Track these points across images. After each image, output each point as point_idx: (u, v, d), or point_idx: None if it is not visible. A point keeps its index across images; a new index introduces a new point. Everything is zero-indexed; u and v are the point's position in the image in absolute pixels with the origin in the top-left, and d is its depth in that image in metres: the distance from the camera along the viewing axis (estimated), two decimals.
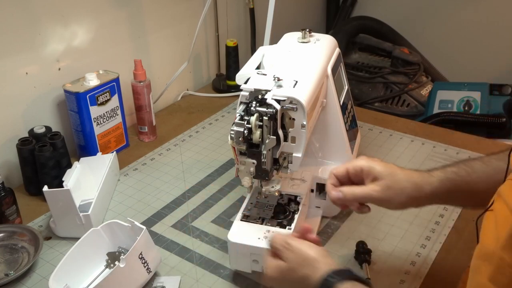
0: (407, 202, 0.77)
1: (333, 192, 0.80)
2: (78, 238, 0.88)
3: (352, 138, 1.08)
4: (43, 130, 1.12)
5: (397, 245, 0.96)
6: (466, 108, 1.74)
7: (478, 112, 1.71)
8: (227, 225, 1.00)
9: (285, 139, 0.84)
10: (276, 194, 0.89)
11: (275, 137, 0.82)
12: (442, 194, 0.77)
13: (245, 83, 0.86)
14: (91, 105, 1.17)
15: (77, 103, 1.15)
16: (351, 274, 0.69)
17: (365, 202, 0.81)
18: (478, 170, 0.77)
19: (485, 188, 0.72)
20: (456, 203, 0.87)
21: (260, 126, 0.80)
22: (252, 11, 1.66)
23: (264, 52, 1.01)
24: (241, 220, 0.90)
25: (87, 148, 1.20)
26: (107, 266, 0.90)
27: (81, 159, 1.12)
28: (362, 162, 0.81)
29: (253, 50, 1.68)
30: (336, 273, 0.68)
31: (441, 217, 1.03)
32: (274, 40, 1.09)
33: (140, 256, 0.84)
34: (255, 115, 0.80)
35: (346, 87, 1.11)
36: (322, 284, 0.68)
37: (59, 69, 1.21)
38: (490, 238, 0.53)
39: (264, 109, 0.80)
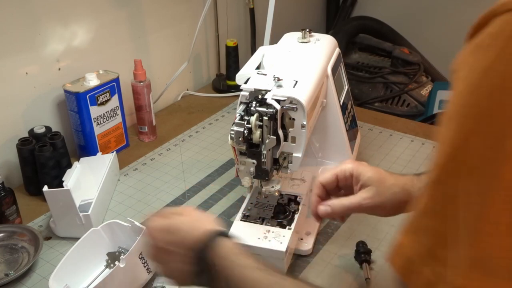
0: (398, 208, 0.76)
1: (321, 207, 0.78)
2: (78, 238, 0.88)
3: (352, 138, 1.08)
4: (43, 130, 1.12)
5: None
6: None
7: None
8: (227, 225, 1.00)
9: (285, 139, 0.84)
10: (276, 194, 0.89)
11: (275, 137, 0.82)
12: None
13: (245, 83, 0.86)
14: (91, 105, 1.17)
15: (77, 103, 1.15)
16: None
17: (355, 213, 0.80)
18: None
19: None
20: None
21: (260, 126, 0.80)
22: (252, 11, 1.66)
23: (264, 52, 1.01)
24: (241, 220, 0.90)
25: (87, 148, 1.20)
26: (107, 266, 0.90)
27: (81, 159, 1.11)
28: (350, 166, 0.79)
29: (253, 50, 1.68)
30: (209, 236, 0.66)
31: None
32: (274, 40, 1.09)
33: (140, 256, 0.84)
34: (255, 115, 0.80)
35: (346, 87, 1.11)
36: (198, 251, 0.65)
37: (59, 69, 1.21)
38: None
39: (264, 109, 0.80)
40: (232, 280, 0.62)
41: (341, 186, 0.80)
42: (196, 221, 0.69)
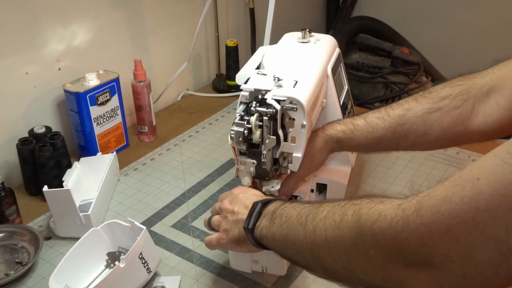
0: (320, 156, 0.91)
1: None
2: (78, 238, 0.88)
3: None
4: (43, 130, 1.12)
5: None
6: None
7: None
8: None
9: (285, 139, 0.84)
10: (276, 194, 0.89)
11: (275, 137, 0.82)
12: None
13: (245, 83, 0.85)
14: (91, 105, 1.17)
15: (77, 103, 1.15)
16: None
17: (301, 185, 0.93)
18: (361, 127, 0.88)
19: (365, 144, 0.88)
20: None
21: (260, 126, 0.80)
22: (252, 11, 1.66)
23: (264, 52, 1.01)
24: None
25: (87, 148, 1.21)
26: (107, 266, 0.90)
27: (81, 159, 1.12)
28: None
29: (253, 50, 1.68)
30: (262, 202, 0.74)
31: None
32: (274, 40, 1.09)
33: (140, 256, 0.84)
34: (255, 115, 0.80)
35: (346, 87, 1.11)
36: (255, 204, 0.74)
37: (59, 69, 1.21)
38: None
39: (264, 109, 0.80)
40: (279, 226, 0.68)
41: None
42: (253, 194, 0.81)
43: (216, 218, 0.82)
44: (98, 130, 1.21)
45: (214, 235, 0.82)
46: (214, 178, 1.17)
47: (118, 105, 1.24)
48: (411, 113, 0.84)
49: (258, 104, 0.81)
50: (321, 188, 1.01)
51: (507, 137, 0.54)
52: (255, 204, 0.74)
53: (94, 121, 1.19)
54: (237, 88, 0.87)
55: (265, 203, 0.73)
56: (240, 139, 0.80)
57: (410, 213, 0.49)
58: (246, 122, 0.80)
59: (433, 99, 0.83)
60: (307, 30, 1.02)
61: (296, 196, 0.96)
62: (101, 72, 1.23)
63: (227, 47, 1.56)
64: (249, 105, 0.82)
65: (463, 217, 0.44)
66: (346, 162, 1.04)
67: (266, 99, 0.80)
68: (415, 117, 0.83)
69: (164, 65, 1.51)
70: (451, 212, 0.45)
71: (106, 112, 1.21)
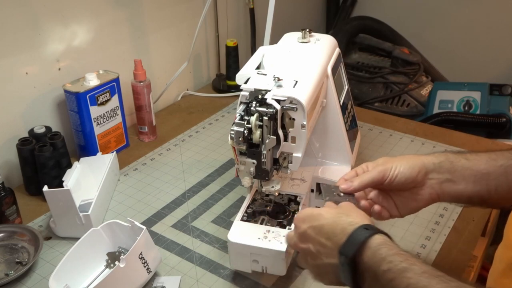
0: (413, 174, 0.77)
1: (344, 186, 0.79)
2: (78, 238, 0.88)
3: (352, 138, 1.08)
4: (43, 130, 1.12)
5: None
6: (466, 108, 1.74)
7: (478, 112, 1.71)
8: (227, 225, 1.00)
9: (285, 139, 0.84)
10: (276, 194, 0.89)
11: (275, 137, 0.82)
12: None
13: (245, 83, 0.85)
14: (91, 105, 1.17)
15: (77, 103, 1.15)
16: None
17: (373, 185, 0.79)
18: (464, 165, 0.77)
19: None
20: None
21: (260, 126, 0.80)
22: (252, 11, 1.66)
23: (264, 52, 1.01)
24: (241, 220, 0.90)
25: (87, 148, 1.20)
26: (107, 266, 0.90)
27: (81, 159, 1.12)
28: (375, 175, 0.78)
29: (253, 50, 1.68)
30: (365, 226, 0.64)
31: (441, 217, 1.03)
32: (274, 40, 1.09)
33: (140, 256, 0.84)
34: (255, 115, 0.80)
35: (346, 87, 1.11)
36: (348, 241, 0.63)
37: (59, 69, 1.21)
38: None
39: (264, 109, 0.80)
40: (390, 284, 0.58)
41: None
42: (341, 213, 0.69)
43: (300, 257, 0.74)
44: (98, 130, 1.21)
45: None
46: (214, 178, 1.17)
47: (118, 105, 1.24)
48: None
49: (258, 104, 0.81)
50: (321, 188, 1.01)
51: None
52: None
53: (94, 121, 1.19)
54: (237, 88, 0.87)
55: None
56: (240, 139, 0.80)
57: None
58: (246, 122, 0.80)
59: None
60: (307, 30, 1.02)
61: (296, 196, 0.96)
62: (101, 72, 1.23)
63: (227, 47, 1.56)
64: (249, 105, 0.82)
65: None
66: (346, 162, 1.04)
67: (266, 99, 0.80)
68: None
69: (164, 65, 1.51)
70: None
71: (106, 112, 1.21)
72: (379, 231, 0.63)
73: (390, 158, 0.81)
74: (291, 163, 0.87)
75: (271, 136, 0.81)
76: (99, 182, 1.04)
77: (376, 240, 0.62)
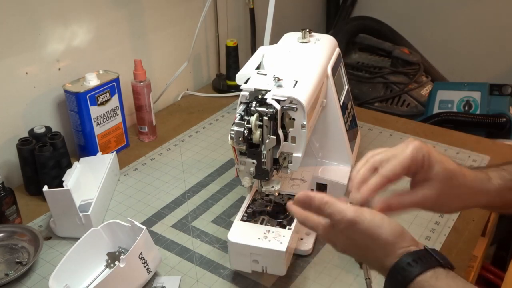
0: (459, 208, 0.73)
1: (379, 204, 0.67)
2: (78, 238, 0.88)
3: (352, 138, 1.08)
4: (43, 130, 1.12)
5: None
6: (466, 108, 1.74)
7: (478, 112, 1.71)
8: (227, 225, 1.00)
9: (285, 139, 0.84)
10: (276, 194, 0.89)
11: (275, 137, 0.82)
12: (498, 203, 0.72)
13: (245, 83, 0.86)
14: (91, 105, 1.17)
15: (77, 103, 1.15)
16: (433, 257, 0.60)
17: (413, 210, 0.72)
18: None
19: None
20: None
21: (260, 126, 0.80)
22: (252, 11, 1.66)
23: (264, 52, 1.01)
24: (241, 220, 0.90)
25: (87, 148, 1.20)
26: (107, 266, 0.90)
27: (81, 159, 1.12)
28: (422, 153, 0.68)
29: (253, 50, 1.68)
30: (415, 258, 0.59)
31: (441, 217, 1.03)
32: (274, 40, 1.09)
33: (140, 256, 0.84)
34: (255, 115, 0.80)
35: (346, 87, 1.11)
36: (396, 272, 0.59)
37: (59, 69, 1.21)
38: None
39: (264, 109, 0.80)
40: None
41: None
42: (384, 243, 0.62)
43: (315, 221, 0.68)
44: (98, 130, 1.21)
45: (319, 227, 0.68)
46: (214, 178, 1.17)
47: (118, 105, 1.24)
48: None
49: (258, 104, 0.81)
50: (321, 188, 1.01)
51: None
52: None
53: (94, 121, 1.19)
54: (237, 88, 0.87)
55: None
56: (240, 139, 0.80)
57: None
58: (246, 122, 0.80)
59: None
60: (307, 30, 1.02)
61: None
62: (101, 72, 1.23)
63: (227, 47, 1.56)
64: (249, 105, 0.82)
65: None
66: (346, 162, 1.04)
67: (266, 99, 0.80)
68: None
69: (164, 65, 1.51)
70: None
71: (106, 112, 1.21)
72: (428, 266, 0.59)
73: (452, 183, 0.70)
74: (291, 163, 0.87)
75: (271, 136, 0.81)
76: (99, 182, 1.04)
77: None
